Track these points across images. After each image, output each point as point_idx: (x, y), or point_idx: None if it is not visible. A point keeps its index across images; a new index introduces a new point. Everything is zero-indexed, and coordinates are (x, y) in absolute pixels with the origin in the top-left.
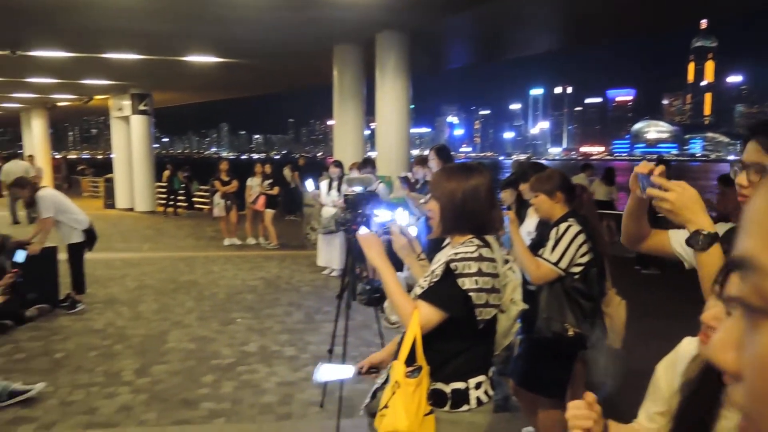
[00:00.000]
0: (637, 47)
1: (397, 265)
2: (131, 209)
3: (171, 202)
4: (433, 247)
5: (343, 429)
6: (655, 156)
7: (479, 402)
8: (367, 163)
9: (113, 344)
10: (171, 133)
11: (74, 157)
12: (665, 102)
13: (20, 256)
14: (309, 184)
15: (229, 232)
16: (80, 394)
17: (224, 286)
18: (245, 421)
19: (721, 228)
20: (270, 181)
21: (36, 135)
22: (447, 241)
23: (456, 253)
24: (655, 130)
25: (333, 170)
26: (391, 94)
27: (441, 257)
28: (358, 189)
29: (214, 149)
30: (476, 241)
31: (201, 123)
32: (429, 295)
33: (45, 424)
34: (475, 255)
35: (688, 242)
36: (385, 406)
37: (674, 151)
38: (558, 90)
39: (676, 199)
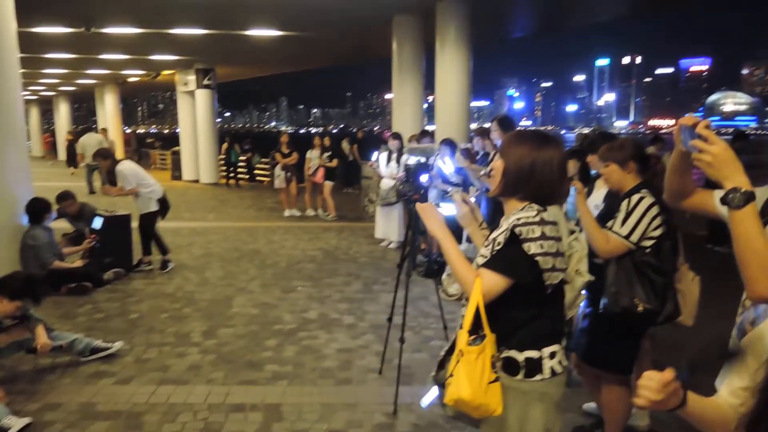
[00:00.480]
0: (715, 12)
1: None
2: (197, 181)
3: (231, 174)
4: (492, 218)
5: (401, 396)
6: (731, 129)
7: (553, 372)
8: (425, 135)
9: (182, 307)
10: (232, 108)
11: (142, 131)
12: (745, 72)
13: (97, 222)
14: (375, 156)
15: (289, 204)
16: (153, 352)
17: (285, 256)
18: (307, 384)
19: (763, 192)
20: (329, 153)
21: (108, 110)
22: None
23: (518, 219)
24: (732, 101)
25: (392, 142)
26: (451, 65)
27: (503, 225)
28: (418, 159)
29: (273, 123)
30: (535, 206)
31: (261, 97)
32: (492, 263)
33: (123, 378)
34: (537, 219)
35: (723, 200)
36: (451, 375)
37: (753, 125)
38: (626, 60)
39: (719, 153)
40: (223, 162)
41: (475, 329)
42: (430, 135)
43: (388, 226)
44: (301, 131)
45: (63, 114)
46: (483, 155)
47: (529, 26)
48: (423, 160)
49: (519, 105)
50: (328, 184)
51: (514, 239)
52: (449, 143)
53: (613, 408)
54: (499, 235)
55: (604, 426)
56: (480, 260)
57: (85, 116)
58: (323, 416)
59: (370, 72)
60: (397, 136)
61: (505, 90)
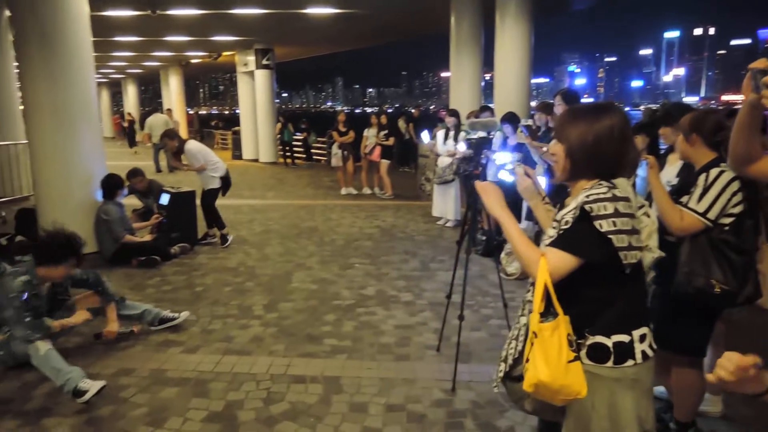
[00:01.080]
0: None
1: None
2: (256, 160)
3: (288, 154)
4: (555, 195)
5: (459, 373)
6: None
7: (644, 356)
8: (486, 110)
9: (245, 281)
10: (289, 88)
11: (204, 112)
12: None
13: (165, 199)
14: (425, 136)
15: (345, 182)
16: (218, 323)
17: (342, 233)
18: (365, 358)
19: None
20: (386, 132)
21: (173, 91)
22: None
23: (588, 196)
24: None
25: (449, 120)
26: (512, 39)
27: (571, 204)
28: (481, 134)
29: (329, 103)
30: (605, 183)
31: (317, 77)
32: (559, 242)
33: (189, 348)
34: (609, 195)
35: None
36: (527, 360)
37: None
38: (698, 31)
39: None
40: (279, 141)
41: (546, 310)
42: (491, 110)
43: (444, 204)
44: (357, 111)
45: (131, 96)
46: (545, 131)
47: None
48: (484, 134)
49: (581, 81)
50: (385, 163)
51: (584, 217)
52: (510, 119)
53: (684, 392)
54: (567, 213)
55: (674, 410)
56: (547, 241)
57: (151, 98)
58: (382, 390)
59: (426, 50)
60: (454, 113)
61: (566, 66)
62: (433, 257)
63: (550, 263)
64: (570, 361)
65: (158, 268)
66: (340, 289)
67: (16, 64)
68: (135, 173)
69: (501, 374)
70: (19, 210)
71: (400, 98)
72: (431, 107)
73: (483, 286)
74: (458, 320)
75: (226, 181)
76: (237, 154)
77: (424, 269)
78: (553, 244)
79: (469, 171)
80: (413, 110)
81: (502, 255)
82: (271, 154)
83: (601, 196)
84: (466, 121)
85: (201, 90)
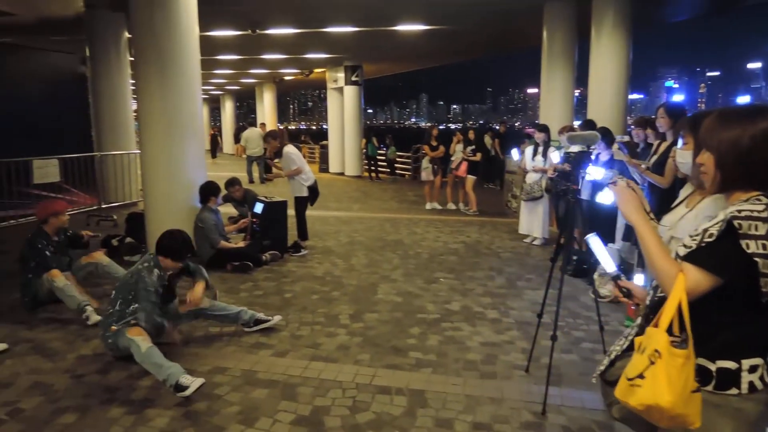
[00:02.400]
0: None
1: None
2: (342, 173)
3: (372, 168)
4: (658, 212)
5: (550, 396)
6: None
7: (752, 388)
8: (589, 125)
9: (331, 291)
10: (374, 105)
11: (293, 127)
12: None
13: (259, 207)
14: (515, 154)
15: (431, 197)
16: (306, 330)
17: (427, 247)
18: (451, 374)
19: None
20: (473, 147)
21: (266, 106)
22: (679, 199)
23: (739, 210)
24: None
25: (538, 135)
26: (608, 53)
27: (719, 216)
28: (580, 148)
29: (413, 119)
30: (765, 199)
31: (402, 94)
32: (700, 257)
33: (279, 351)
34: (765, 215)
35: None
36: (640, 376)
37: None
38: None
39: None
40: (364, 156)
41: (670, 329)
42: (594, 125)
43: (532, 221)
44: (441, 127)
45: (228, 111)
46: (644, 147)
47: (695, 7)
48: (584, 148)
49: (679, 97)
50: (471, 179)
51: (730, 232)
52: (603, 134)
53: None
54: (712, 226)
55: None
56: (682, 251)
57: (245, 113)
58: (468, 408)
59: (512, 66)
60: (543, 129)
61: (663, 81)
62: (520, 275)
63: (689, 281)
64: (693, 391)
65: (250, 274)
66: (424, 303)
67: (132, 81)
68: (232, 182)
69: (602, 368)
70: (129, 214)
71: (485, 115)
72: (516, 123)
73: (574, 307)
74: (550, 341)
75: (313, 191)
76: (324, 167)
77: (511, 287)
78: (692, 259)
79: (567, 187)
80: (499, 126)
81: (596, 276)
82: (357, 167)
83: (755, 213)
84: (559, 137)
85: (291, 106)
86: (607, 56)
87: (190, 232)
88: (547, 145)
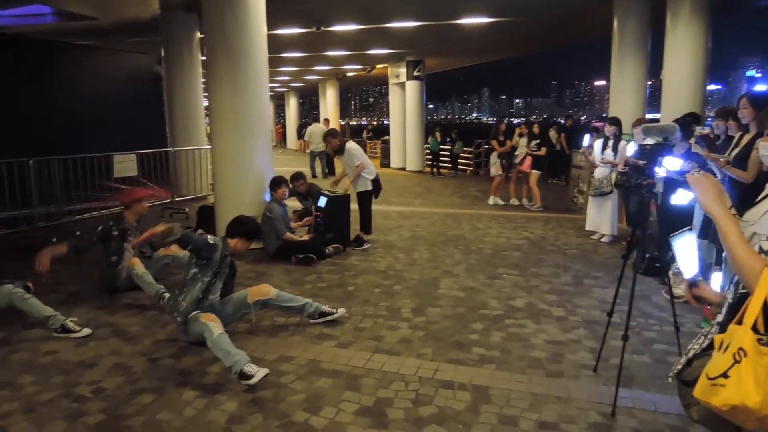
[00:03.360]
0: None
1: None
2: (403, 168)
3: (435, 163)
4: (740, 207)
5: (620, 398)
6: None
7: None
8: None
9: (393, 284)
10: (435, 100)
11: (354, 123)
12: None
13: (322, 201)
14: (585, 140)
15: (495, 192)
16: (368, 322)
17: (489, 243)
18: (515, 371)
19: None
20: (537, 141)
21: (329, 103)
22: (765, 193)
23: None
24: None
25: (609, 128)
26: (684, 41)
27: None
28: (656, 139)
29: (475, 114)
30: None
31: (463, 88)
32: None
33: (342, 343)
34: None
35: None
36: (724, 375)
37: None
38: None
39: None
40: (427, 151)
41: (755, 327)
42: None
43: (600, 218)
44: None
45: (292, 107)
46: (725, 139)
47: None
48: (660, 140)
49: (761, 87)
50: (535, 173)
51: None
52: (683, 123)
53: None
54: None
55: None
56: (766, 245)
57: (308, 110)
58: (533, 406)
59: (578, 58)
60: (614, 122)
61: (744, 70)
62: (588, 273)
63: None
64: None
65: (314, 266)
66: (487, 299)
67: (204, 79)
68: (297, 176)
69: (678, 367)
70: (200, 207)
71: (549, 108)
72: (582, 117)
73: (645, 307)
74: (621, 340)
75: (377, 185)
76: (385, 163)
77: (578, 284)
78: None
79: (641, 181)
80: (565, 120)
81: (671, 274)
82: (418, 163)
83: None
84: (632, 130)
85: (353, 102)
86: (684, 45)
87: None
88: (617, 138)
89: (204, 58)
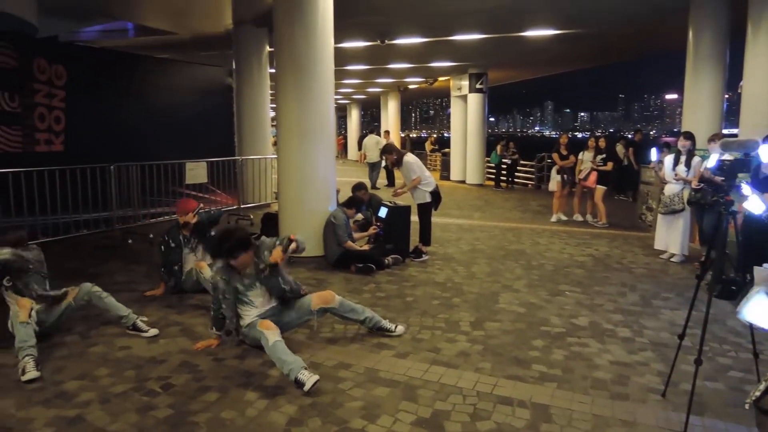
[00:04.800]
0: None
1: None
2: (463, 181)
3: (495, 177)
4: None
5: (691, 426)
6: None
7: None
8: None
9: (452, 297)
10: (497, 113)
11: (414, 135)
12: None
13: (383, 212)
14: (653, 154)
15: (558, 207)
16: (426, 334)
17: (551, 259)
18: (577, 391)
19: None
20: (603, 156)
21: (390, 115)
22: None
23: None
24: None
25: (683, 143)
26: (767, 52)
27: None
28: (734, 155)
29: (537, 128)
30: None
31: (525, 101)
32: None
33: (400, 353)
34: None
35: None
36: None
37: None
38: None
39: None
40: (489, 164)
41: None
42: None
43: (670, 236)
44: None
45: (354, 119)
46: None
47: None
48: (739, 155)
49: None
50: (600, 189)
51: None
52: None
53: None
54: None
55: None
56: None
57: (368, 122)
58: (596, 428)
59: (648, 71)
60: (689, 137)
61: None
62: (656, 293)
63: None
64: None
65: (373, 276)
66: (549, 316)
67: (272, 91)
68: (359, 187)
69: (757, 394)
70: (265, 214)
71: (616, 122)
72: (651, 132)
73: (719, 332)
74: (694, 365)
75: (436, 197)
76: (445, 175)
77: (645, 305)
78: None
79: (718, 198)
80: (634, 135)
81: (750, 298)
82: (479, 176)
83: None
84: (708, 146)
85: (413, 114)
86: (767, 56)
87: (319, 233)
88: (690, 153)
89: (272, 70)
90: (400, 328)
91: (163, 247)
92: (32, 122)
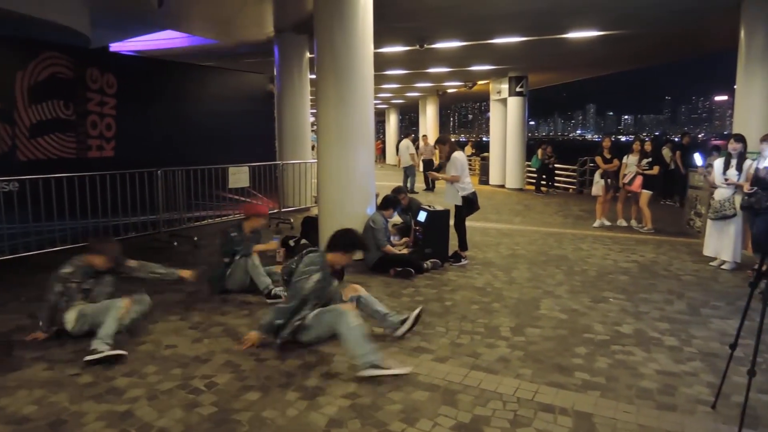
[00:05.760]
0: None
1: None
2: (502, 186)
3: (535, 181)
4: None
5: None
6: None
7: None
8: None
9: (491, 302)
10: (536, 116)
11: (453, 139)
12: None
13: (422, 216)
14: (697, 159)
15: (601, 212)
16: (465, 339)
17: (594, 265)
18: (621, 400)
19: None
20: (649, 160)
21: (428, 119)
22: None
23: None
24: None
25: (734, 146)
26: None
27: None
28: None
29: (579, 132)
30: None
31: (566, 105)
32: None
33: (439, 357)
34: None
35: None
36: None
37: None
38: None
39: None
40: (530, 168)
41: None
42: None
43: (721, 243)
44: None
45: (392, 124)
46: None
47: None
48: None
49: None
50: (646, 194)
51: None
52: None
53: None
54: None
55: None
56: None
57: (406, 126)
58: None
59: (695, 72)
60: (740, 139)
61: None
62: (705, 301)
63: None
64: None
65: (412, 280)
66: (591, 322)
67: (311, 97)
68: (399, 190)
69: None
70: (305, 218)
71: (662, 125)
72: (700, 135)
73: None
74: (747, 376)
75: (469, 203)
76: (484, 180)
77: (694, 313)
78: None
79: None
80: (682, 138)
81: None
82: (518, 180)
83: None
84: (761, 145)
85: (451, 118)
86: None
87: None
88: (742, 157)
89: (313, 76)
90: (405, 369)
91: (227, 237)
92: (85, 129)
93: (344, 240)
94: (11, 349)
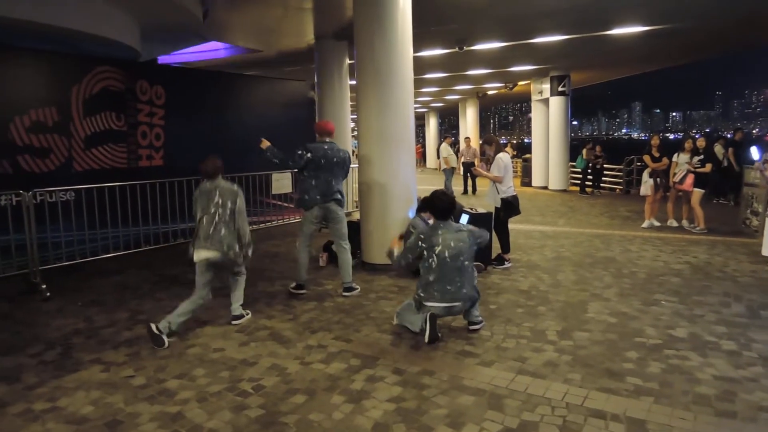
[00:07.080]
0: None
1: None
2: (545, 187)
3: (580, 182)
4: None
5: None
6: None
7: None
8: None
9: (537, 305)
10: (579, 116)
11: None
12: None
13: (464, 219)
14: (753, 152)
15: (650, 213)
16: (511, 342)
17: (644, 267)
18: (677, 406)
19: None
20: (700, 157)
21: (469, 121)
22: None
23: None
24: None
25: None
26: None
27: None
28: None
29: (625, 130)
30: None
31: (611, 103)
32: None
33: (485, 361)
34: None
35: None
36: None
37: None
38: None
39: None
40: (575, 169)
41: None
42: None
43: None
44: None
45: (432, 127)
46: None
47: None
48: None
49: None
50: (698, 192)
51: None
52: None
53: None
54: None
55: None
56: None
57: (446, 129)
58: None
59: (749, 65)
60: None
61: None
62: (765, 304)
63: None
64: None
65: None
66: (642, 326)
67: (352, 103)
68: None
69: None
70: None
71: (712, 122)
72: (754, 131)
73: None
74: None
75: (508, 206)
76: (526, 181)
77: (754, 317)
78: None
79: None
80: (734, 134)
81: None
82: (562, 181)
83: None
84: None
85: (492, 120)
86: None
87: None
88: None
89: (353, 82)
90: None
91: None
92: (135, 139)
93: (434, 204)
94: (70, 351)
